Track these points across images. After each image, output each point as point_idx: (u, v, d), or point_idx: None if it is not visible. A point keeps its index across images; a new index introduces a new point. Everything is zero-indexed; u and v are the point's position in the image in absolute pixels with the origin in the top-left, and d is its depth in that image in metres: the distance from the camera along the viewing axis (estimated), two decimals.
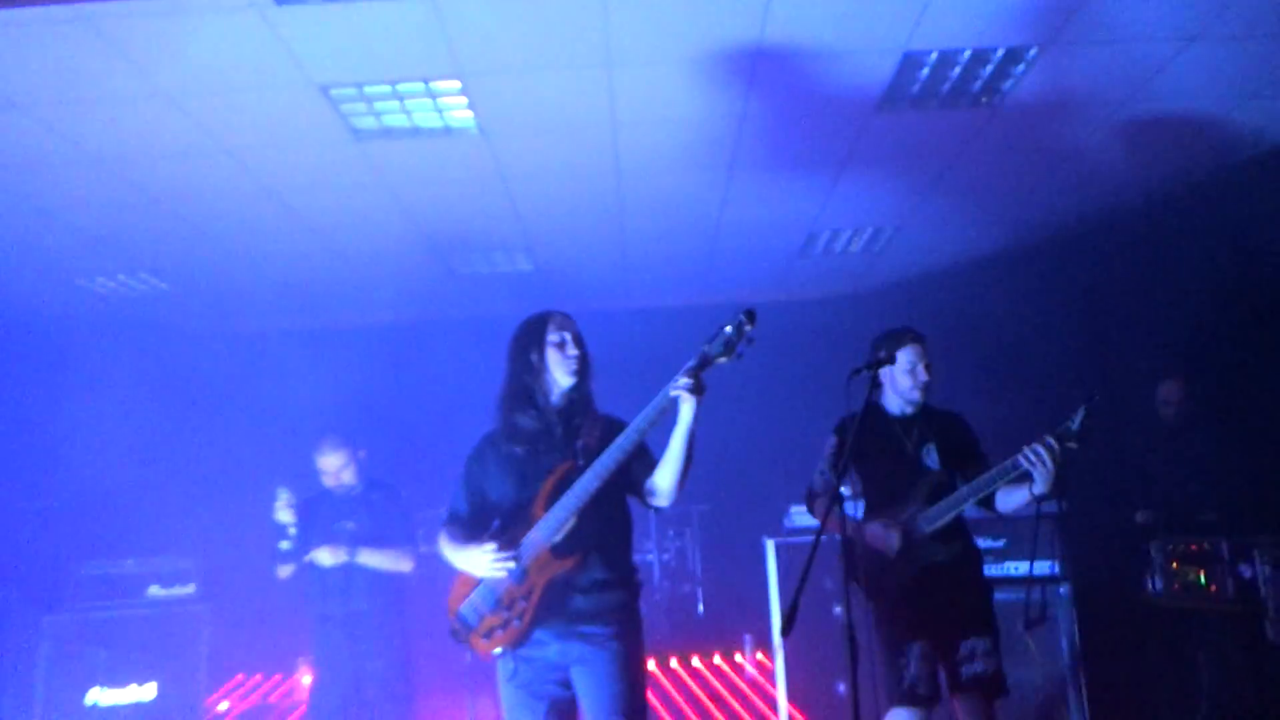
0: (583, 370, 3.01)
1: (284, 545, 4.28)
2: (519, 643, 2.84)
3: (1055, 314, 5.88)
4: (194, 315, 6.63)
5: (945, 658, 3.41)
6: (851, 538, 3.46)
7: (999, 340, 5.96)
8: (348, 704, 4.32)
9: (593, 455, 2.85)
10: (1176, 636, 4.78)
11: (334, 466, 4.48)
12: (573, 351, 3.00)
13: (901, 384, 3.65)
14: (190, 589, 5.32)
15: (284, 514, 4.26)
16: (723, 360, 2.73)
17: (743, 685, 5.60)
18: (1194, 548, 4.50)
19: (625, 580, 2.94)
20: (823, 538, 2.84)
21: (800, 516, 5.53)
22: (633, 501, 3.05)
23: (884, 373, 3.59)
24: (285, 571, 4.39)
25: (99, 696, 5.08)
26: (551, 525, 2.82)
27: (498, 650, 2.86)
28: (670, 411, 2.79)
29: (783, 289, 6.73)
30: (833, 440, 3.74)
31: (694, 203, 5.17)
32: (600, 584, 2.86)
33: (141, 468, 5.78)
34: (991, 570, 4.76)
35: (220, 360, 6.49)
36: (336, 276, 6.05)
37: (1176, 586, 4.56)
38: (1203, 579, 4.43)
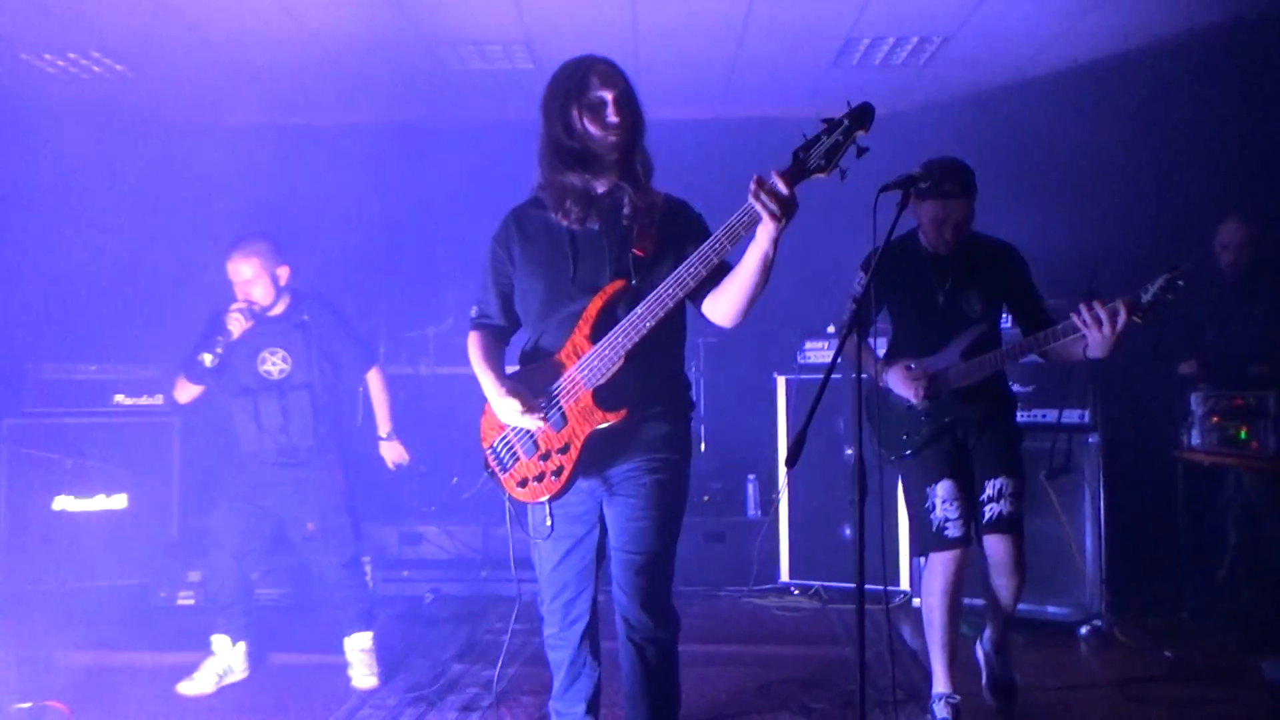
0: (628, 145, 2.57)
1: (206, 359, 3.81)
2: (556, 498, 2.64)
3: (1111, 142, 5.55)
4: (158, 105, 6.27)
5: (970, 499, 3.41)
6: (871, 377, 3.44)
7: (1049, 166, 5.65)
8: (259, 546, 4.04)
9: (648, 269, 2.52)
10: (1206, 494, 4.73)
11: (241, 278, 3.90)
12: (614, 118, 2.56)
13: (928, 232, 3.47)
14: (159, 399, 5.23)
15: (234, 322, 3.82)
16: (821, 176, 2.29)
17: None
18: (1238, 402, 4.37)
19: (675, 409, 2.69)
20: (836, 376, 2.69)
21: (814, 353, 5.40)
22: None
23: (920, 207, 3.40)
24: (188, 393, 3.99)
25: (66, 504, 5.07)
26: (596, 367, 2.52)
27: (539, 500, 2.66)
28: (751, 230, 2.36)
29: (812, 104, 6.35)
30: (860, 277, 3.51)
31: None
32: (646, 418, 2.61)
33: (102, 268, 5.60)
34: (1019, 416, 4.66)
35: (189, 155, 6.20)
36: (313, 67, 5.68)
37: (1215, 441, 4.46)
38: (1244, 434, 4.32)
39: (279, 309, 4.00)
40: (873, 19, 5.06)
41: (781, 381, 5.42)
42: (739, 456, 5.92)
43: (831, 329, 5.30)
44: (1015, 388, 4.51)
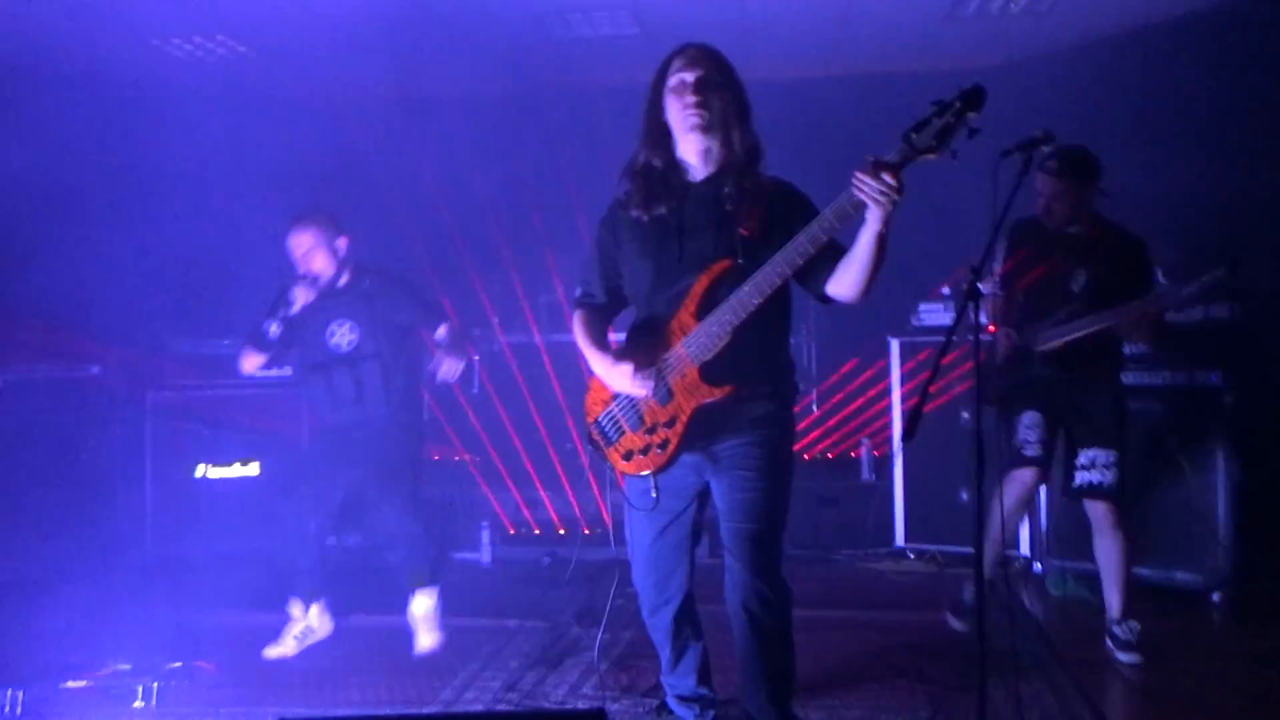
0: (712, 126, 2.61)
1: (272, 329, 3.91)
2: (661, 470, 2.71)
3: (1234, 90, 5.24)
4: (279, 83, 6.51)
5: (1065, 460, 3.81)
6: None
7: (1170, 116, 5.39)
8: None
9: (755, 249, 2.55)
10: None
11: (301, 250, 3.98)
12: (691, 98, 2.59)
13: (1039, 205, 3.79)
14: (287, 371, 5.49)
15: (297, 294, 3.91)
16: (931, 157, 2.31)
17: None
18: None
19: (780, 390, 2.75)
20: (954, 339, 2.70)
21: (929, 315, 5.32)
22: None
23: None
24: (253, 363, 4.05)
25: (207, 471, 5.40)
26: (703, 343, 2.58)
27: (644, 473, 2.74)
28: (857, 215, 2.40)
29: (925, 58, 6.19)
30: (1003, 244, 3.88)
31: None
32: (752, 396, 2.66)
33: (233, 246, 5.87)
34: (1145, 379, 4.53)
35: (310, 132, 6.40)
36: (423, 39, 5.79)
37: None
38: None
39: (343, 281, 4.08)
40: None
41: (895, 344, 5.37)
42: (852, 420, 5.89)
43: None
44: (1137, 349, 4.42)
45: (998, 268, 3.96)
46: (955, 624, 4.07)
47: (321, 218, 4.04)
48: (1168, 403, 4.50)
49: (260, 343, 3.99)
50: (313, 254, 3.99)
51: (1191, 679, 3.59)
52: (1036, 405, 3.77)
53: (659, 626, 2.97)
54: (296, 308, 3.96)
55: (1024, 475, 3.77)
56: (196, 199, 6.03)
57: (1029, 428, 3.77)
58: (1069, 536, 4.64)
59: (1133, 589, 3.84)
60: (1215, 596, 4.36)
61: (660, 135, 2.69)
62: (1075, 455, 3.76)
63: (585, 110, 6.21)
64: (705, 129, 2.62)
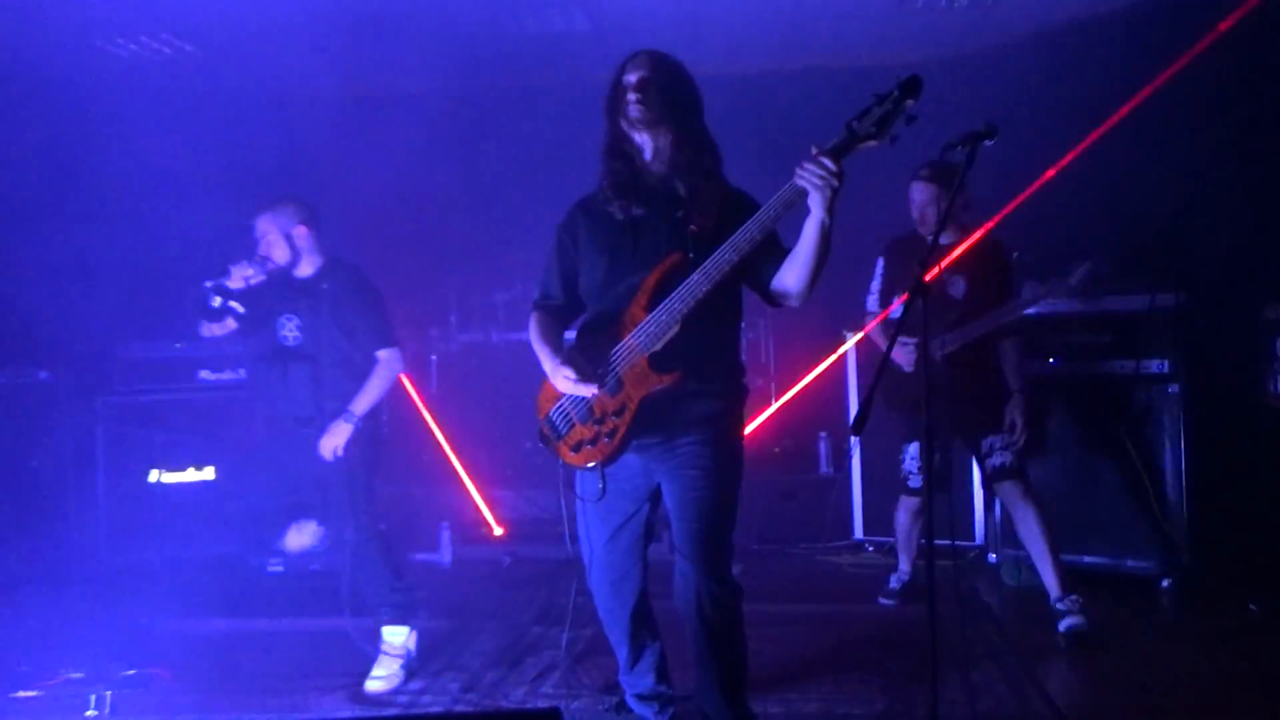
0: (650, 122, 2.67)
1: (215, 301, 3.78)
2: (610, 460, 2.74)
3: (1193, 82, 5.34)
4: (226, 82, 6.43)
5: (976, 456, 4.21)
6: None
7: (1117, 108, 5.47)
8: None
9: (705, 244, 2.58)
10: None
11: (259, 233, 3.90)
12: (632, 96, 2.66)
13: (912, 212, 4.16)
14: (241, 374, 5.44)
15: (238, 269, 3.80)
16: (872, 143, 2.39)
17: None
18: None
19: (729, 388, 2.79)
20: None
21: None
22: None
23: None
24: (209, 330, 3.92)
25: (160, 476, 5.34)
26: (652, 333, 2.60)
27: (590, 465, 2.77)
28: (801, 201, 2.47)
29: (876, 52, 6.24)
30: (880, 262, 4.42)
31: None
32: (701, 393, 2.70)
33: (181, 247, 5.79)
34: (1092, 368, 4.63)
35: (258, 131, 6.33)
36: (374, 38, 5.76)
37: None
38: None
39: (305, 271, 3.96)
40: None
41: (850, 339, 5.42)
42: (809, 413, 5.94)
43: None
44: (1087, 338, 4.55)
45: (876, 285, 4.43)
46: (886, 602, 4.49)
47: (284, 206, 3.92)
48: (1116, 391, 4.59)
49: (205, 310, 3.84)
50: (267, 239, 3.89)
51: (1143, 664, 3.67)
52: (917, 435, 4.17)
53: (615, 628, 3.01)
54: (233, 281, 3.81)
55: (910, 504, 4.40)
56: (143, 200, 5.95)
57: (913, 458, 4.29)
58: None
59: (1083, 577, 3.92)
60: (1165, 583, 4.46)
61: (617, 137, 2.76)
62: (979, 449, 4.11)
63: (540, 107, 6.21)
64: (645, 123, 2.68)
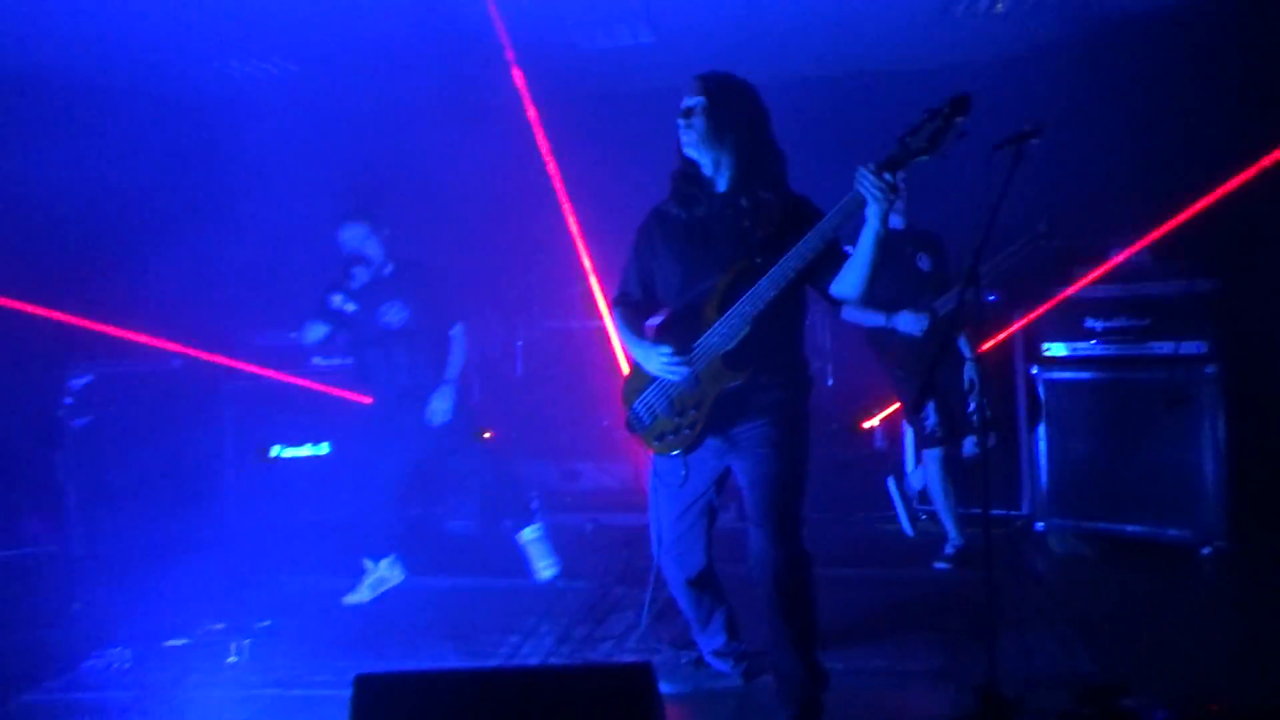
0: (697, 144, 2.73)
1: (336, 299, 4.28)
2: (691, 449, 2.81)
3: (1234, 80, 5.20)
4: (328, 97, 6.58)
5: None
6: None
7: (1160, 110, 5.35)
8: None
9: (771, 250, 2.63)
10: None
11: (355, 238, 4.36)
12: (680, 121, 2.74)
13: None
14: (349, 361, 5.58)
15: (361, 272, 4.31)
16: (924, 158, 2.41)
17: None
18: None
19: (795, 378, 2.83)
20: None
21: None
22: None
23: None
24: (316, 334, 4.38)
25: (280, 451, 5.53)
26: (725, 333, 2.67)
27: (673, 453, 2.84)
28: (859, 211, 2.50)
29: (916, 57, 6.16)
30: None
31: None
32: (770, 384, 2.75)
33: (293, 249, 5.96)
34: (1134, 349, 4.56)
35: (361, 140, 6.47)
36: (459, 55, 5.83)
37: None
38: None
39: (389, 270, 4.41)
40: None
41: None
42: (866, 391, 5.92)
43: None
44: (1128, 322, 4.48)
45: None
46: (941, 566, 4.51)
47: (371, 215, 4.41)
48: (1156, 370, 4.52)
49: (325, 313, 4.33)
50: (366, 242, 4.35)
51: (1184, 628, 3.63)
52: (936, 393, 4.29)
53: (683, 597, 3.11)
54: (359, 283, 4.30)
55: (936, 454, 4.47)
56: (259, 205, 6.11)
57: (936, 414, 4.40)
58: (1069, 496, 4.68)
59: (1125, 546, 3.86)
60: (1205, 550, 4.38)
61: (682, 157, 2.82)
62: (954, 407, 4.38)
63: (610, 116, 6.24)
64: (694, 147, 2.76)
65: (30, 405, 4.93)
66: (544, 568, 4.49)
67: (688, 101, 2.76)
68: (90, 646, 3.68)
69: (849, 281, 2.63)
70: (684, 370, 2.74)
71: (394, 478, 4.38)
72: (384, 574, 4.39)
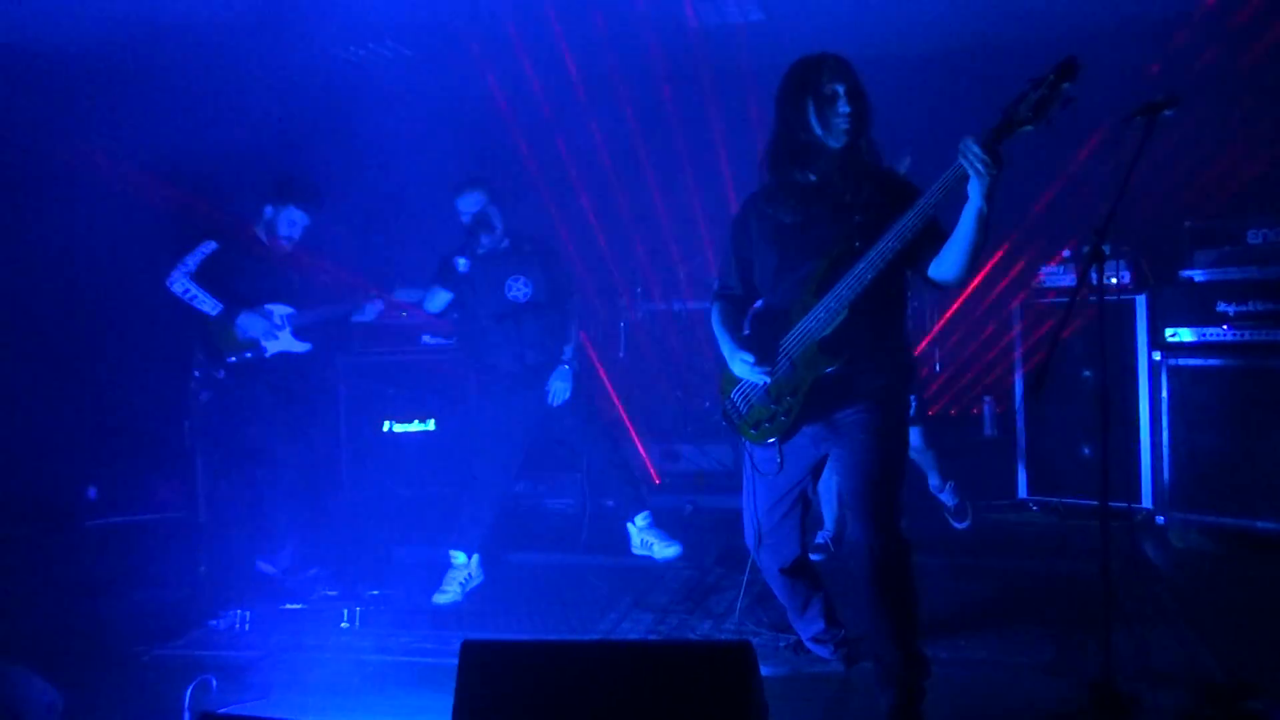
0: (856, 130, 2.63)
1: (460, 263, 4.15)
2: (787, 437, 2.77)
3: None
4: (442, 80, 6.72)
5: None
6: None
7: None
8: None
9: (871, 232, 2.55)
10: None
11: (474, 206, 4.28)
12: (845, 109, 2.61)
13: None
14: (453, 340, 5.73)
15: (478, 241, 4.21)
16: (1029, 128, 2.29)
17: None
18: None
19: (896, 364, 2.76)
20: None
21: (1049, 277, 5.13)
22: None
23: None
24: (440, 301, 4.41)
25: (392, 426, 5.72)
26: (822, 318, 2.61)
27: (769, 441, 2.81)
28: (960, 188, 2.39)
29: (1039, 23, 5.89)
30: None
31: None
32: (868, 370, 2.68)
33: (413, 227, 6.10)
34: (1270, 335, 4.31)
35: (475, 120, 6.55)
36: (571, 34, 5.87)
37: None
38: None
39: (506, 244, 4.34)
40: None
41: (1017, 305, 5.21)
42: (975, 377, 5.77)
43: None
44: (1263, 306, 4.24)
45: None
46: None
47: (487, 184, 4.33)
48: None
49: (449, 278, 4.31)
50: (485, 211, 4.26)
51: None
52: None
53: (778, 585, 3.06)
54: (484, 249, 4.24)
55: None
56: (375, 186, 6.30)
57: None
58: (1191, 490, 4.47)
59: (1255, 542, 3.64)
60: None
61: (803, 141, 2.67)
62: None
63: (717, 94, 6.19)
64: (852, 133, 2.63)
65: (164, 376, 5.18)
66: (663, 549, 4.46)
67: (844, 84, 2.62)
68: (216, 607, 3.89)
69: (949, 262, 2.53)
70: (766, 379, 2.72)
71: (509, 465, 4.34)
72: (473, 570, 4.24)
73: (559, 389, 4.32)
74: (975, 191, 2.37)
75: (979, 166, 2.31)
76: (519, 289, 4.30)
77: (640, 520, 4.49)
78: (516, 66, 6.52)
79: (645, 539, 4.48)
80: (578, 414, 4.43)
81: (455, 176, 4.44)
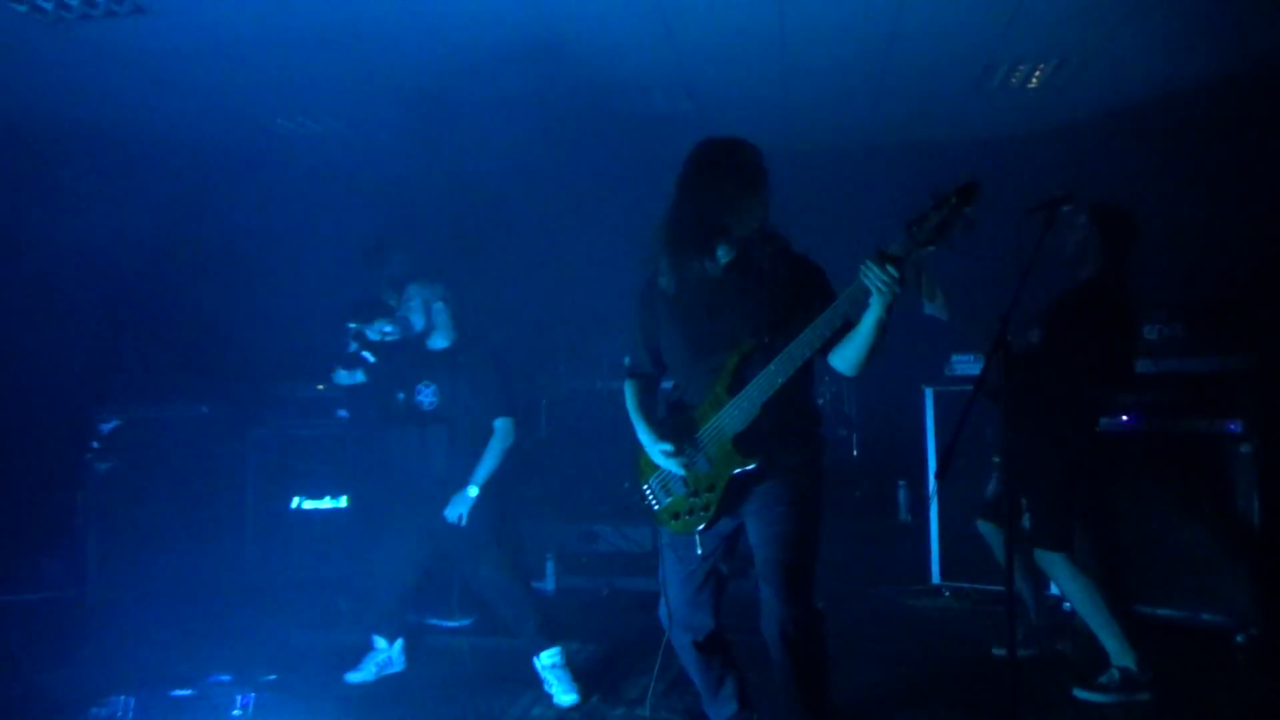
0: (767, 215, 2.69)
1: (352, 348, 4.17)
2: (707, 529, 2.78)
3: (1264, 155, 5.19)
4: (367, 156, 6.74)
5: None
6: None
7: (1191, 183, 5.34)
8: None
9: (779, 329, 2.60)
10: None
11: (403, 298, 4.05)
12: (767, 196, 2.68)
13: None
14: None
15: (381, 322, 4.04)
16: (931, 249, 2.36)
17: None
18: None
19: (809, 441, 2.79)
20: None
21: (961, 365, 5.28)
22: None
23: None
24: (343, 376, 4.34)
25: (301, 502, 5.53)
26: (736, 416, 2.65)
27: (687, 533, 2.80)
28: (866, 299, 2.45)
29: (954, 129, 6.22)
30: None
31: (862, 22, 4.69)
32: (782, 449, 2.71)
33: (328, 300, 6.02)
34: (1170, 426, 4.47)
35: (401, 199, 6.58)
36: (499, 118, 5.96)
37: None
38: None
39: (440, 343, 4.07)
40: (1011, 42, 4.94)
41: (930, 393, 5.33)
42: (889, 463, 5.85)
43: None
44: (1165, 397, 4.38)
45: None
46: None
47: (432, 279, 4.09)
48: (1190, 449, 4.42)
49: (342, 354, 4.26)
50: (411, 305, 4.04)
51: (1217, 717, 3.48)
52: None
53: (691, 662, 3.00)
54: (371, 332, 4.07)
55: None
56: (292, 259, 6.22)
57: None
58: (1100, 579, 4.55)
59: (1159, 629, 3.72)
60: (1240, 637, 4.23)
61: (718, 227, 2.69)
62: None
63: (644, 180, 6.28)
64: (767, 219, 2.69)
65: (55, 448, 4.97)
66: (561, 694, 3.75)
67: (765, 173, 2.68)
68: (97, 693, 3.64)
69: (847, 356, 2.61)
70: (681, 471, 2.74)
71: (416, 563, 4.07)
72: (393, 656, 4.08)
73: (453, 512, 3.90)
74: (877, 304, 2.46)
75: (880, 287, 2.41)
76: (426, 396, 4.03)
77: (546, 658, 3.84)
78: (443, 149, 6.60)
79: (546, 677, 3.82)
80: (476, 539, 3.95)
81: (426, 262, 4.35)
